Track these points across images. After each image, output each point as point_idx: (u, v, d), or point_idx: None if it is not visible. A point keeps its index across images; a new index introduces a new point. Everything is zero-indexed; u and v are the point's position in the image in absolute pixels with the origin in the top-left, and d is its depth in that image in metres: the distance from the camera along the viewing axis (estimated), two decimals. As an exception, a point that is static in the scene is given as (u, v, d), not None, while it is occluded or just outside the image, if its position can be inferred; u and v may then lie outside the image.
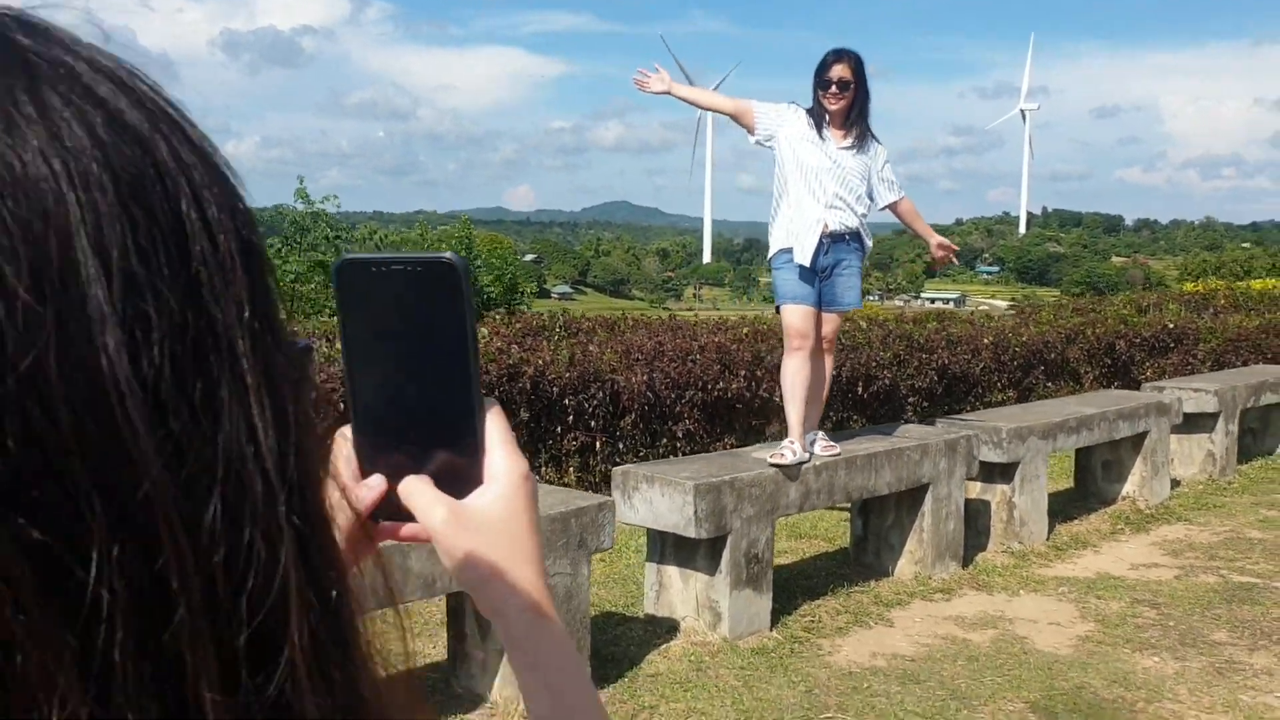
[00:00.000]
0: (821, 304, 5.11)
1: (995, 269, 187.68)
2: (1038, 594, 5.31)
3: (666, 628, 4.69)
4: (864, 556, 5.64)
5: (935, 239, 5.34)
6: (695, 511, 4.39)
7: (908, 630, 4.82)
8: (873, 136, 5.09)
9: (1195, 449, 7.48)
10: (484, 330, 7.34)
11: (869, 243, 5.14)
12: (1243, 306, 11.96)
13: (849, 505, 5.62)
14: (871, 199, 5.11)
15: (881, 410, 8.67)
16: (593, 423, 6.69)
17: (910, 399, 8.97)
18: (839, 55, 5.00)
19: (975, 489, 5.97)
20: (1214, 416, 7.37)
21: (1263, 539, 6.15)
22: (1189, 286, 16.19)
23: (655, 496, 4.51)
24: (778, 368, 7.76)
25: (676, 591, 4.73)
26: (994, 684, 4.24)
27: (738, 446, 7.54)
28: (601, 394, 6.68)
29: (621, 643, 4.56)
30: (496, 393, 6.21)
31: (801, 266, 4.99)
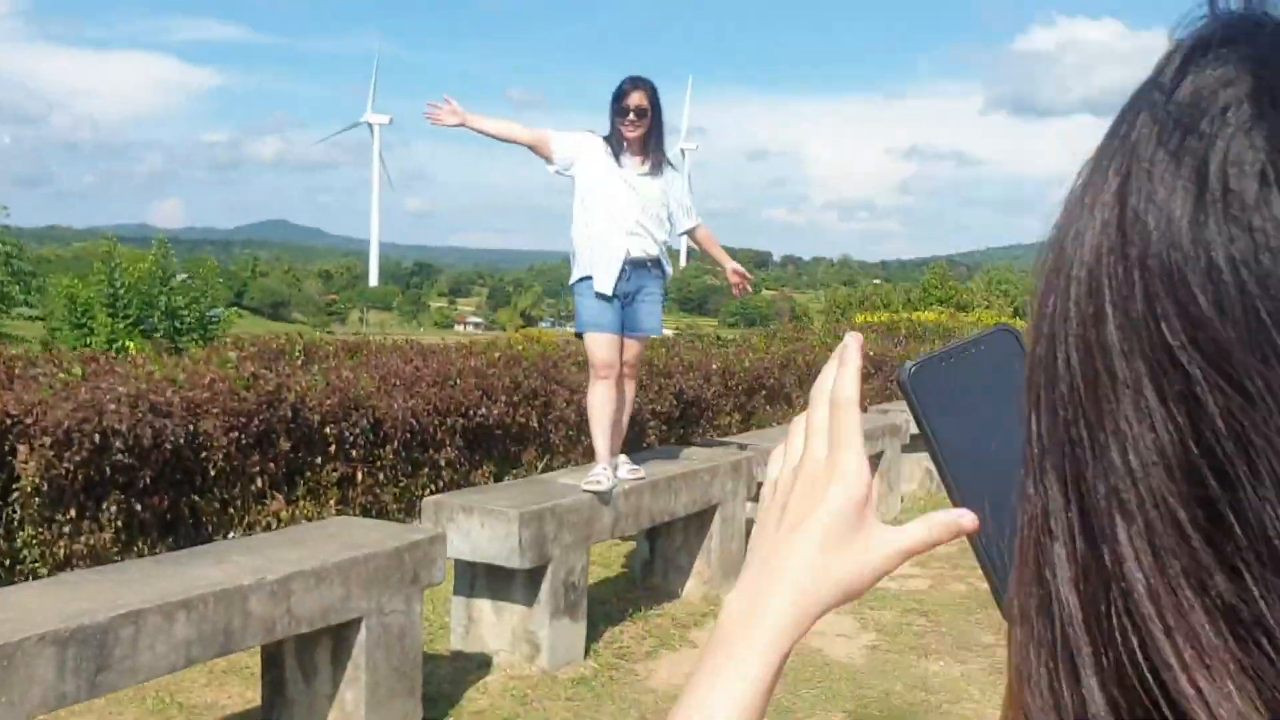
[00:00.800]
0: (624, 330, 5.13)
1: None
2: (817, 608, 5.55)
3: (479, 663, 4.51)
4: (651, 579, 5.68)
5: (731, 265, 5.50)
6: (520, 541, 4.26)
7: (711, 650, 4.89)
8: (668, 163, 5.17)
9: (915, 466, 8.11)
10: (231, 354, 6.80)
11: (669, 269, 5.21)
12: (921, 336, 13.14)
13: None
14: (671, 224, 5.19)
15: (627, 433, 8.80)
16: (354, 452, 6.35)
17: (651, 423, 9.16)
18: (636, 83, 5.05)
19: (748, 508, 6.17)
20: (932, 436, 8.02)
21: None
22: (864, 317, 17.60)
23: (474, 528, 4.33)
24: (535, 393, 7.76)
25: (489, 625, 4.56)
26: (811, 698, 4.38)
27: (497, 475, 7.43)
28: (364, 422, 6.35)
29: (433, 680, 4.33)
30: (256, 421, 5.76)
31: (602, 294, 4.99)
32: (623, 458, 5.19)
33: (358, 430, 6.32)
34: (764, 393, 10.41)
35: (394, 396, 6.66)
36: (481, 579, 4.54)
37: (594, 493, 4.71)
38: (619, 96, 5.02)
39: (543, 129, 5.14)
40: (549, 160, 5.08)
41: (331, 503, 6.25)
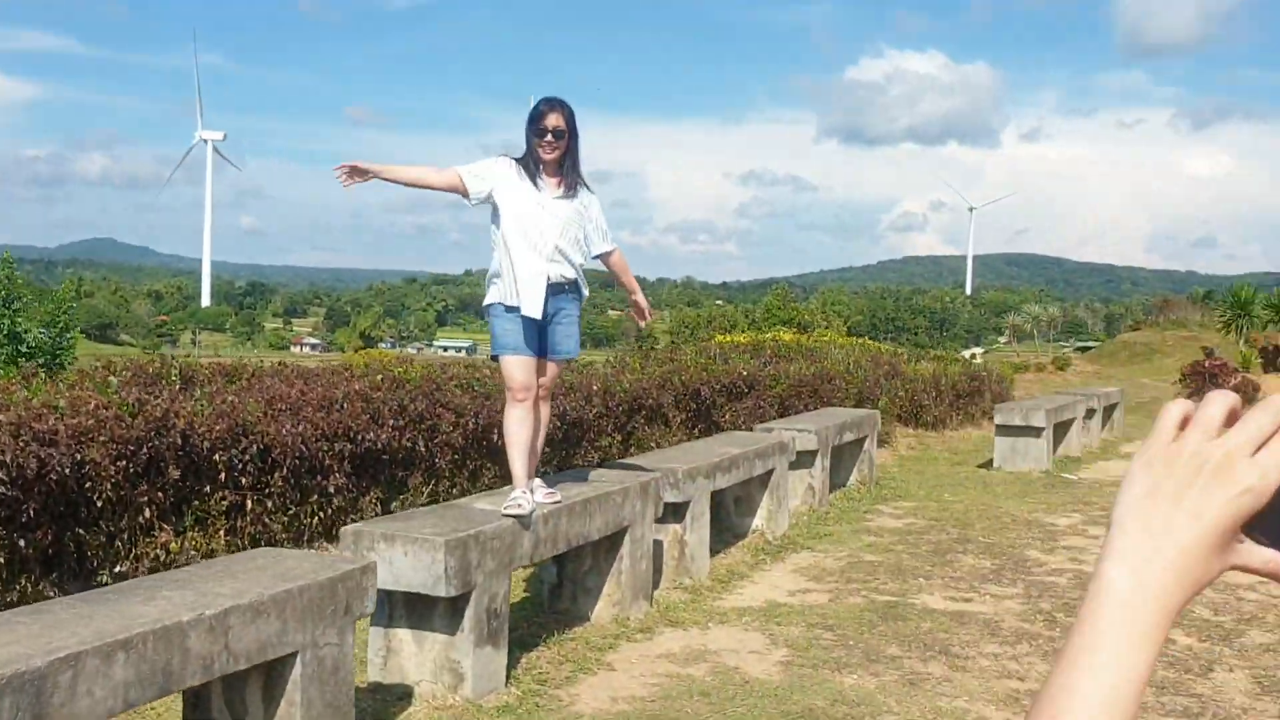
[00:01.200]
0: (541, 353, 5.11)
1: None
2: (725, 625, 5.61)
3: (399, 694, 4.40)
4: (559, 603, 5.64)
5: (638, 295, 5.51)
6: (445, 569, 4.18)
7: (630, 672, 4.89)
8: (585, 184, 5.18)
9: (798, 483, 8.28)
10: (113, 380, 6.46)
11: (586, 291, 5.21)
12: (786, 356, 13.44)
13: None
14: (587, 246, 5.19)
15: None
16: (243, 480, 6.11)
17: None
18: (552, 104, 5.05)
19: (654, 529, 6.20)
20: (813, 454, 8.23)
21: (880, 561, 6.95)
22: (719, 339, 17.89)
23: (397, 556, 4.23)
24: (422, 417, 7.62)
25: (409, 655, 4.45)
26: (736, 715, 4.43)
27: (384, 501, 7.26)
28: (253, 448, 6.12)
29: (355, 714, 4.20)
30: (145, 449, 5.49)
31: (524, 317, 4.96)
32: (537, 481, 5.16)
33: (247, 457, 6.09)
34: (643, 413, 10.48)
35: (281, 422, 6.45)
36: (401, 608, 4.44)
37: (515, 517, 4.67)
38: (536, 118, 5.01)
39: (451, 168, 5.06)
40: (465, 195, 5.02)
41: (220, 533, 6.00)
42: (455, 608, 4.36)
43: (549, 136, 4.99)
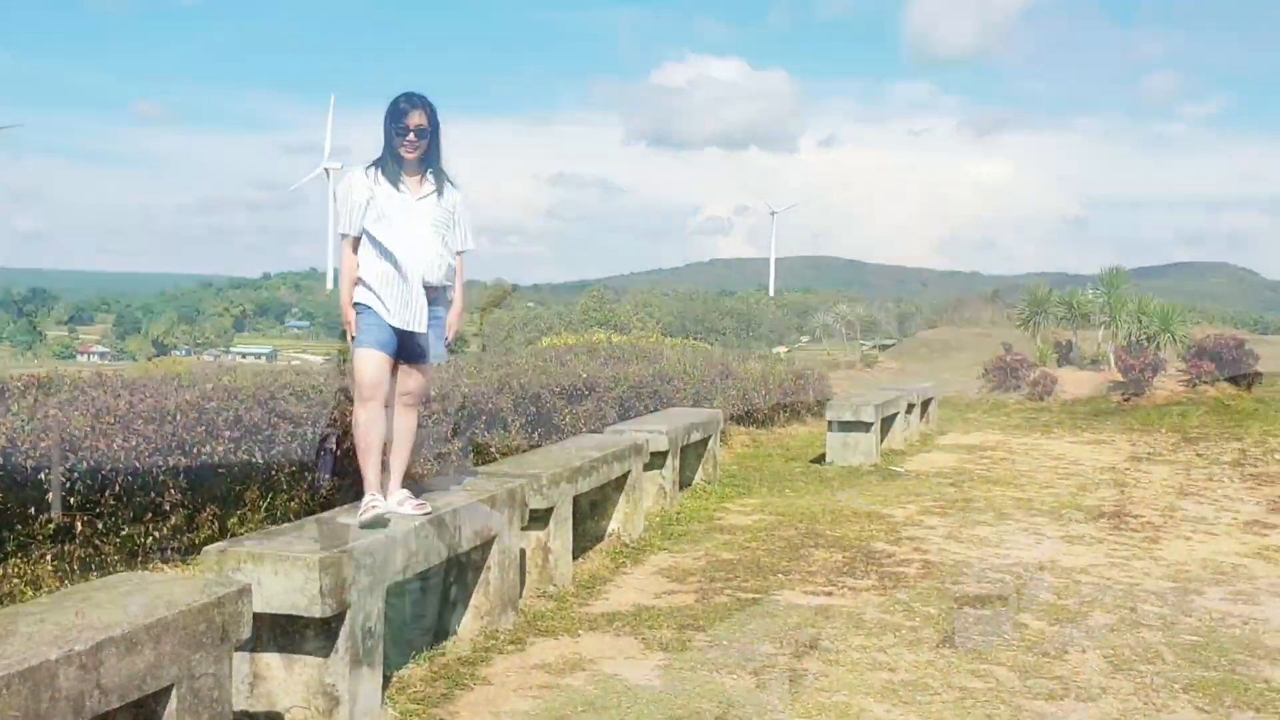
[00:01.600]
0: (405, 357, 4.91)
1: (306, 323, 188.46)
2: (596, 632, 5.51)
3: (269, 724, 4.13)
4: (423, 617, 5.43)
5: (457, 309, 5.23)
6: (320, 588, 3.94)
7: (507, 686, 4.74)
8: (450, 181, 5.00)
9: (649, 484, 8.27)
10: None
11: (453, 292, 5.04)
12: (620, 358, 13.45)
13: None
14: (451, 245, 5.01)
15: (351, 466, 8.37)
16: (71, 500, 5.64)
17: (369, 454, 8.78)
18: (413, 101, 4.85)
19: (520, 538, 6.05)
20: (664, 454, 8.23)
21: (737, 559, 7.00)
22: (546, 341, 17.79)
23: (265, 576, 3.96)
24: (257, 427, 7.23)
25: (278, 681, 4.18)
26: (625, 724, 4.35)
27: (221, 518, 6.84)
28: (82, 465, 5.66)
29: (222, 751, 3.91)
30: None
31: (381, 318, 4.76)
32: (405, 493, 4.95)
33: (75, 475, 5.63)
34: (483, 418, 10.27)
35: (111, 437, 5.99)
36: (268, 631, 4.16)
37: (371, 523, 4.48)
38: (397, 115, 4.81)
39: (345, 239, 4.87)
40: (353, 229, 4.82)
41: (47, 558, 5.51)
42: (329, 629, 4.12)
43: (411, 135, 4.80)
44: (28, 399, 6.60)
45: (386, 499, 4.84)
